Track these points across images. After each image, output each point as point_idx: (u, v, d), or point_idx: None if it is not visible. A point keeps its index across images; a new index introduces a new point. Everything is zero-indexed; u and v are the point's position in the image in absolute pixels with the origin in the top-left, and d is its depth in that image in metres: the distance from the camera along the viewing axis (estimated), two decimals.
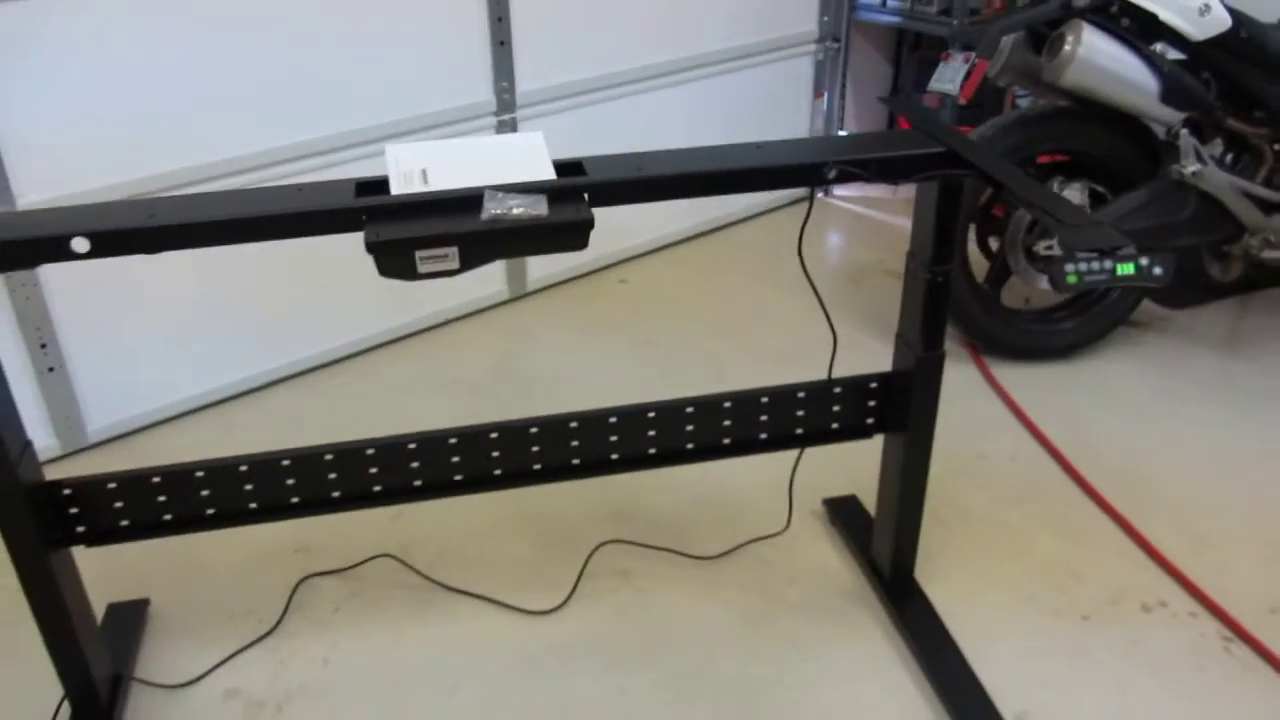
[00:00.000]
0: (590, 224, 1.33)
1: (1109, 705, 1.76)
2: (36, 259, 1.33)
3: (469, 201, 1.34)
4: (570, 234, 1.32)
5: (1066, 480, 2.31)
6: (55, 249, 1.31)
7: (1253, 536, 2.12)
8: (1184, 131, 2.47)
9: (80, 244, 1.31)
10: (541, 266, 3.12)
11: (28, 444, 1.55)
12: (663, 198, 1.45)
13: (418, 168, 1.39)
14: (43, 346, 2.31)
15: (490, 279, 3.04)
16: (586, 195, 1.38)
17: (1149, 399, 2.58)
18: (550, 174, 1.41)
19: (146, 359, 2.49)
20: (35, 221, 1.36)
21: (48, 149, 2.17)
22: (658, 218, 3.35)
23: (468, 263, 1.30)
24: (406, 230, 1.30)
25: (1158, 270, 1.92)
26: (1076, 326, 2.74)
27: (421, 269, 1.29)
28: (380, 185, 1.39)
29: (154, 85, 2.28)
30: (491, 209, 1.29)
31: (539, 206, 1.31)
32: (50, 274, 2.27)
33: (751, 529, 2.16)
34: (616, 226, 3.24)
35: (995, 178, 1.45)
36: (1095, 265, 1.52)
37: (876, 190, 3.89)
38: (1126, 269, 1.66)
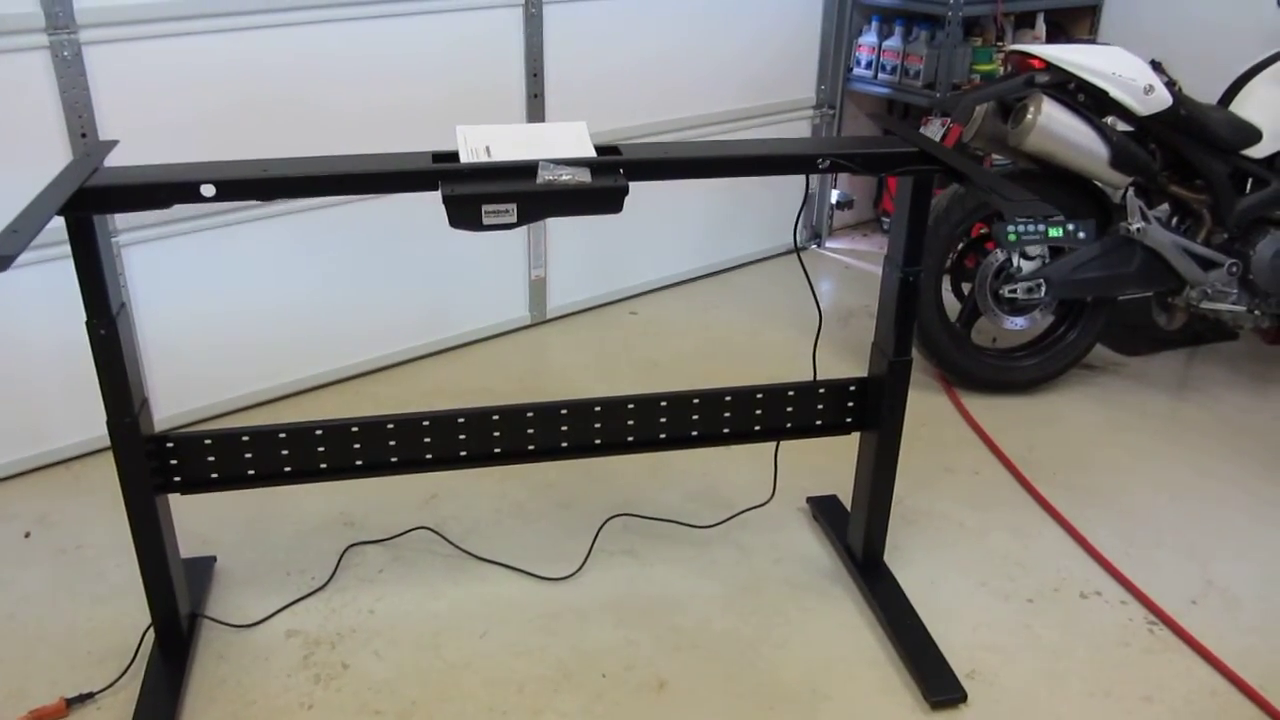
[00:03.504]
0: (625, 191, 1.64)
1: (1044, 667, 2.05)
2: (173, 200, 1.62)
3: (526, 170, 1.65)
4: (608, 199, 1.64)
5: (1021, 491, 2.62)
6: (189, 192, 1.60)
7: (1179, 542, 2.43)
8: (1130, 193, 2.83)
9: (208, 189, 1.60)
10: (560, 296, 3.46)
11: (145, 401, 1.86)
12: (682, 176, 1.77)
13: (483, 144, 1.70)
14: None
15: (514, 305, 3.37)
16: (622, 170, 1.69)
17: (1098, 428, 2.91)
18: (592, 153, 1.72)
19: (208, 360, 2.80)
20: (173, 170, 1.65)
21: None
22: (664, 260, 3.70)
23: (524, 218, 1.61)
24: (476, 188, 1.61)
25: (1082, 234, 2.24)
26: (1037, 364, 3.07)
27: (486, 221, 1.59)
28: (452, 156, 1.69)
29: None
30: (545, 175, 1.61)
31: (583, 175, 1.63)
32: (132, 273, 2.59)
33: (741, 505, 2.48)
34: (628, 265, 3.59)
35: (956, 169, 1.77)
36: (1031, 228, 1.82)
37: (864, 244, 4.25)
38: (1055, 231, 1.96)
